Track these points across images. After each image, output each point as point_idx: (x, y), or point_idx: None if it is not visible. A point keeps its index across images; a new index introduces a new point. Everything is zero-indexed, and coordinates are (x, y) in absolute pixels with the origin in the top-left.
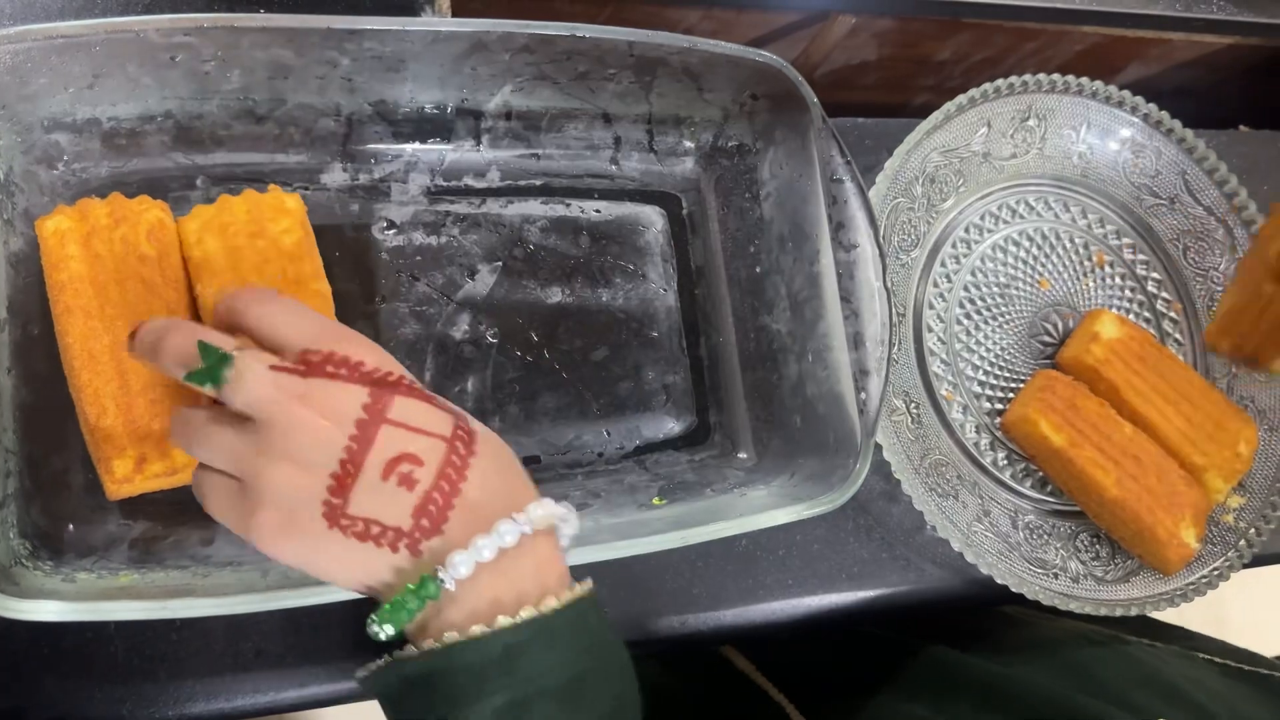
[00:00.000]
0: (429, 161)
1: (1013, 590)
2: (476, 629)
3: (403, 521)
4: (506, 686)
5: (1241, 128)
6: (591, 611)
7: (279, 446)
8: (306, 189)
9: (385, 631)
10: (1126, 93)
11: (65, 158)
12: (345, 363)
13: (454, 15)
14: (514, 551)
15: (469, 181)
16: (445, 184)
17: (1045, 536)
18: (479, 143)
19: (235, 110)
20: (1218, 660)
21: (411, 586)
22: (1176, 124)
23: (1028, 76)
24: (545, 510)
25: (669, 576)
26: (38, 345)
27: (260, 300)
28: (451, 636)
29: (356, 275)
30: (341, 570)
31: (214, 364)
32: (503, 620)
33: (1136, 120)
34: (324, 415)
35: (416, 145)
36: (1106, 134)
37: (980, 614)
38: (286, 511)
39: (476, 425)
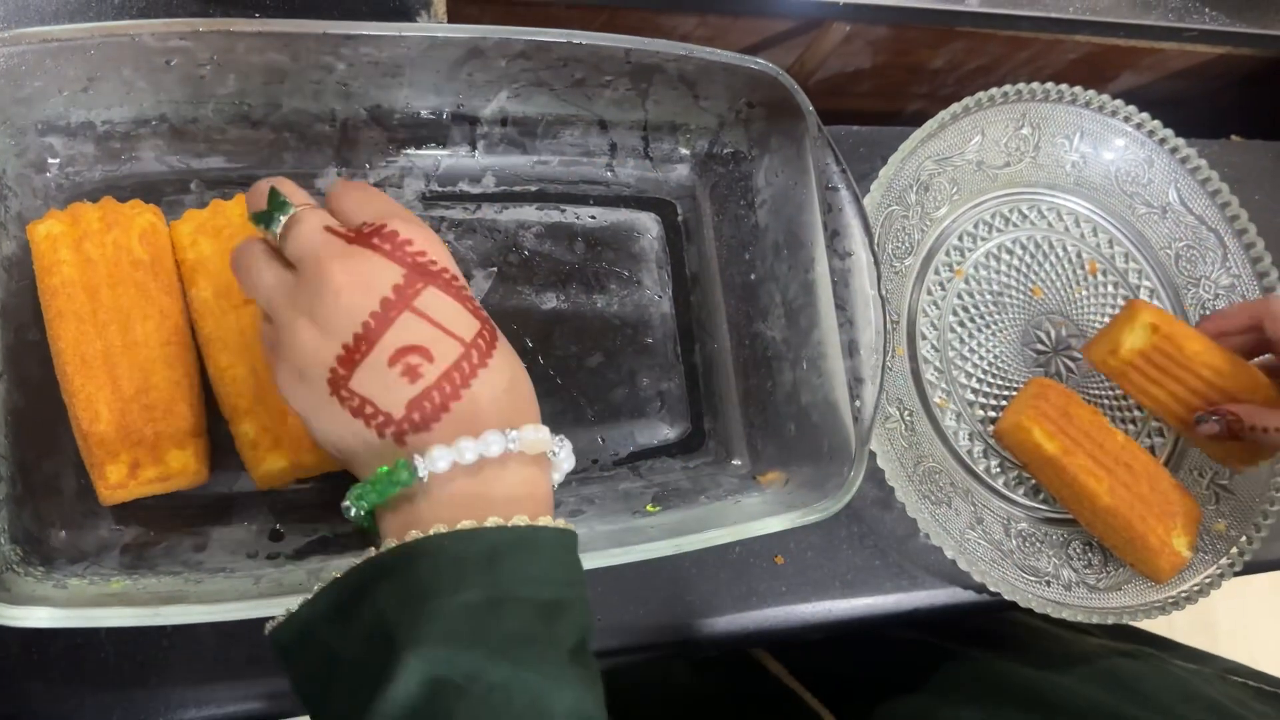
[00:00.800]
0: (424, 167)
1: (1005, 598)
2: (465, 523)
3: (395, 410)
4: (484, 584)
5: (1233, 137)
6: (574, 550)
7: (306, 302)
8: None
9: (358, 508)
10: (1119, 102)
11: (59, 161)
12: (392, 238)
13: (450, 21)
14: (498, 464)
15: (464, 187)
16: (440, 189)
17: (1038, 544)
18: (474, 148)
19: (230, 115)
20: (1251, 683)
21: (385, 469)
22: (1169, 133)
23: (1021, 85)
24: (537, 435)
25: (662, 583)
26: (31, 350)
27: (345, 186)
28: (439, 528)
29: None
30: (331, 438)
31: (273, 208)
32: (493, 520)
33: (1129, 129)
34: (354, 283)
35: (412, 151)
36: (1100, 143)
37: (1004, 622)
38: (300, 368)
39: (501, 341)
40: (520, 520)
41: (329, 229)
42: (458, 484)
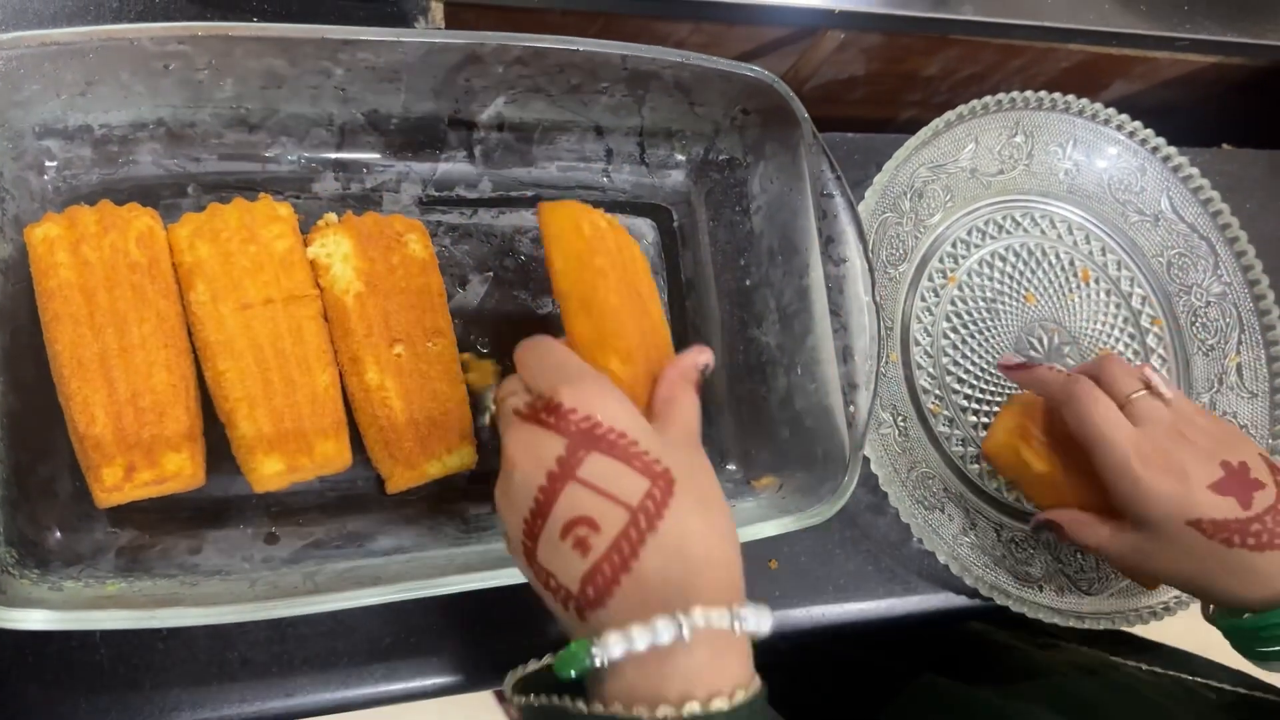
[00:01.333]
0: (421, 172)
1: (998, 603)
2: (639, 710)
3: (572, 585)
4: None
5: (1225, 146)
6: (760, 715)
7: (502, 481)
8: (298, 198)
9: (562, 675)
10: (1112, 110)
11: (56, 164)
12: (558, 410)
13: (447, 27)
14: (670, 649)
15: (461, 192)
16: (437, 194)
17: (1030, 550)
18: (471, 154)
19: (228, 119)
20: (1215, 684)
21: (572, 648)
22: (1161, 141)
23: (1015, 94)
24: (707, 620)
25: None
26: (27, 352)
27: (524, 348)
28: (617, 709)
29: None
30: (541, 599)
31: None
32: (664, 710)
33: (1122, 138)
34: (524, 459)
35: (409, 155)
36: (1092, 151)
37: (968, 639)
38: (508, 538)
39: (680, 492)
40: (691, 708)
41: (516, 411)
42: (634, 664)
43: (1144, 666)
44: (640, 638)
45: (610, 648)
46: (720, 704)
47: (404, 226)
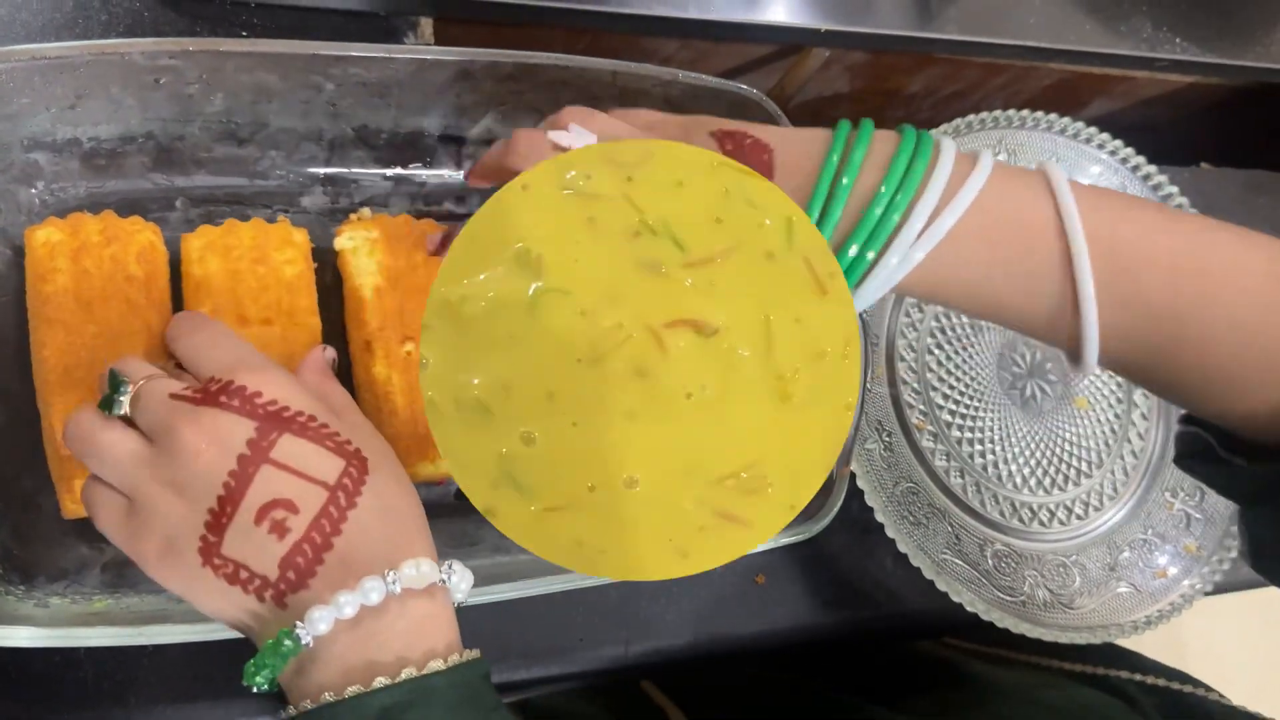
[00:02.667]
0: (410, 186)
1: (982, 618)
2: (351, 690)
3: (270, 571)
4: None
5: (1203, 165)
6: (481, 682)
7: (166, 472)
8: (287, 211)
9: (256, 685)
10: (1094, 129)
11: (45, 177)
12: (240, 393)
13: (436, 43)
14: (382, 610)
15: (450, 207)
16: (426, 209)
17: (1014, 564)
18: (461, 168)
19: (217, 132)
20: (1162, 684)
21: (271, 642)
22: (1141, 160)
23: (998, 112)
24: (418, 570)
25: (642, 601)
26: (12, 366)
27: (190, 329)
28: (327, 698)
29: (336, 299)
30: (215, 609)
31: (112, 390)
32: (380, 681)
33: (1104, 156)
34: (208, 445)
35: (398, 170)
36: (1075, 169)
37: (908, 659)
38: (168, 540)
39: (375, 468)
40: (409, 673)
41: (175, 395)
42: (345, 640)
43: (1114, 672)
44: (349, 603)
45: (316, 623)
46: (436, 664)
47: (435, 230)
